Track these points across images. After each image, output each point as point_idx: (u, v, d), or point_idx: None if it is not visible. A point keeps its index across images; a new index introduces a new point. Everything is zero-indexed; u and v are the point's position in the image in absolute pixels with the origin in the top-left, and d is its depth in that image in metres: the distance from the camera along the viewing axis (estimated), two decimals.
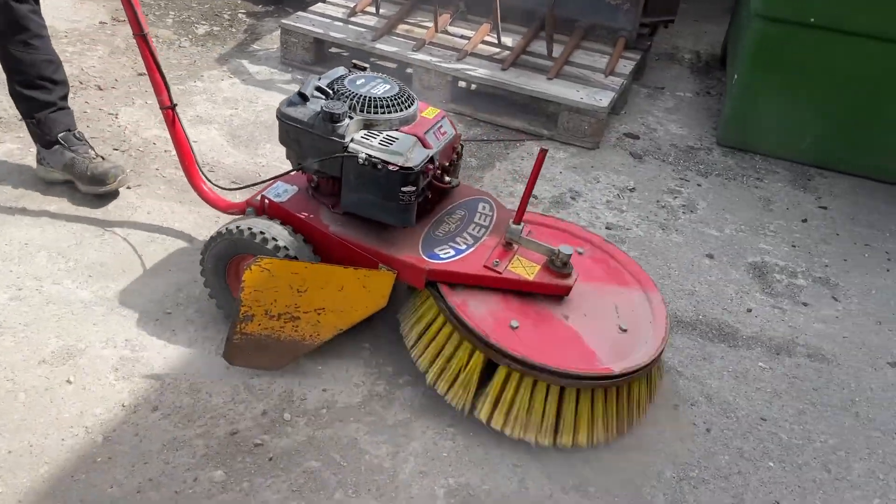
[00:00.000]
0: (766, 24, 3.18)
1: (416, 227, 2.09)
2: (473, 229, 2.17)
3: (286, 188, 2.24)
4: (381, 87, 2.10)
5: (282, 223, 2.10)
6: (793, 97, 3.28)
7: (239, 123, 3.26)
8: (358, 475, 1.88)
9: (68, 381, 2.01)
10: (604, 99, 3.37)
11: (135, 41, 2.27)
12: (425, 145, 2.05)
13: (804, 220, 3.10)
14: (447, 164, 2.16)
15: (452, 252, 2.07)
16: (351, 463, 1.91)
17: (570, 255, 2.05)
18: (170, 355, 2.13)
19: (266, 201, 2.18)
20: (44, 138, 2.62)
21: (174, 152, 2.42)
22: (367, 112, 2.04)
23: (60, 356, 2.08)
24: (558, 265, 2.06)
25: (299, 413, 2.02)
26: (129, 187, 2.76)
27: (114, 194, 2.69)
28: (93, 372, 2.05)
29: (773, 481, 2.01)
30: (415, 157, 1.98)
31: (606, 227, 2.91)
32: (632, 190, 3.17)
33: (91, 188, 2.63)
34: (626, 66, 3.71)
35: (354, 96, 2.05)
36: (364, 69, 2.22)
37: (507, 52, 3.66)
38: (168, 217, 2.65)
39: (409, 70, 3.61)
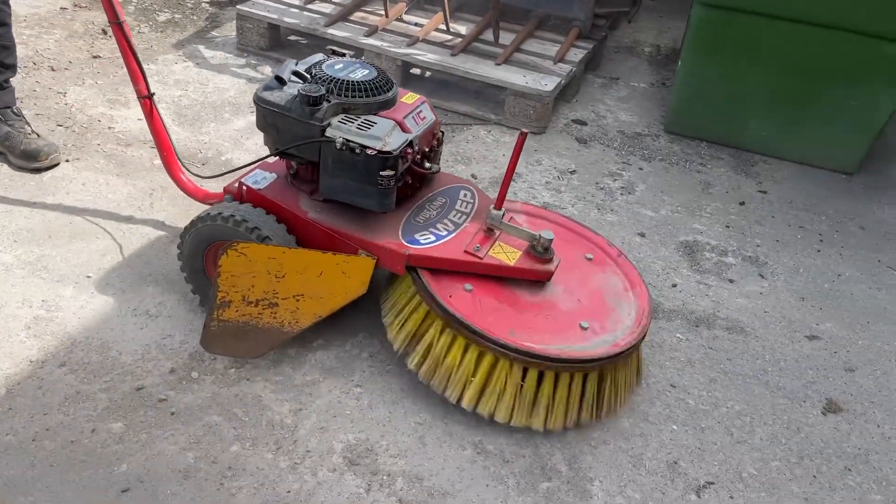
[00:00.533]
0: (706, 10, 3.22)
1: (396, 212, 2.09)
2: (455, 216, 2.17)
3: (265, 175, 2.22)
4: (359, 72, 2.09)
5: (262, 210, 2.08)
6: (734, 83, 3.32)
7: (187, 104, 3.30)
8: (258, 429, 1.90)
9: None
10: (549, 84, 3.41)
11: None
12: (404, 129, 2.04)
13: (741, 203, 3.13)
14: (427, 149, 2.16)
15: (433, 238, 2.07)
16: (252, 418, 1.93)
17: (551, 241, 2.05)
18: (85, 316, 2.16)
19: (244, 188, 2.16)
20: None
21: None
22: (345, 96, 2.01)
23: None
24: (539, 250, 2.07)
25: (207, 372, 2.04)
26: (67, 160, 2.79)
27: (51, 168, 2.72)
28: (4, 330, 2.07)
29: (675, 443, 2.03)
30: (393, 142, 1.97)
31: (543, 207, 2.93)
32: (572, 172, 3.20)
33: (22, 163, 2.67)
34: (577, 54, 3.75)
35: (332, 80, 2.02)
36: (343, 55, 2.22)
37: (460, 40, 3.70)
38: (102, 188, 2.68)
39: (361, 56, 3.65)
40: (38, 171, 2.71)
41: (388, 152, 1.95)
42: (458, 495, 1.81)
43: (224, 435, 1.87)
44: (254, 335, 2.01)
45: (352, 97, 2.03)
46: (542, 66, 3.58)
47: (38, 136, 2.75)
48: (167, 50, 3.73)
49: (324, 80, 2.05)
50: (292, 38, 3.95)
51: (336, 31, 3.66)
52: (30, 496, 1.68)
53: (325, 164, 2.03)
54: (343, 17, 3.78)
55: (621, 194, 3.09)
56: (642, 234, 2.86)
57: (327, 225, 2.07)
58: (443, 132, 2.27)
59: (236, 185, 2.18)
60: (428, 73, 3.79)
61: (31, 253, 2.35)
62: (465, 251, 2.05)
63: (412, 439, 1.93)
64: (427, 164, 2.18)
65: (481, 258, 2.05)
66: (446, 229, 2.13)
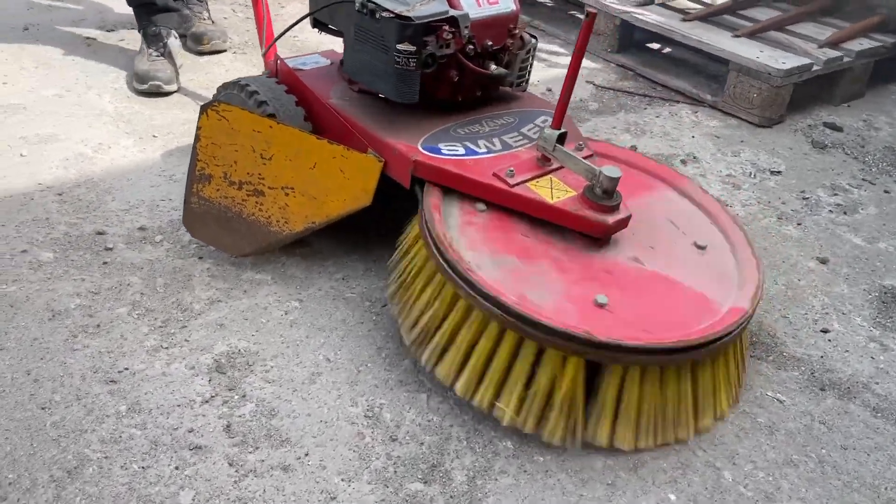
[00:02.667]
0: None
1: (435, 117, 1.70)
2: (512, 137, 1.69)
3: (317, 60, 1.98)
4: None
5: (283, 88, 1.82)
6: None
7: None
8: (160, 304, 1.64)
9: (21, 155, 2.09)
10: (787, 62, 2.59)
11: None
12: (453, 4, 1.62)
13: None
14: (493, 45, 1.69)
15: (462, 151, 1.60)
16: (166, 293, 1.67)
17: (617, 181, 1.47)
18: (117, 166, 2.10)
19: (279, 62, 1.93)
20: None
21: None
22: None
23: (41, 139, 2.17)
24: (598, 193, 1.48)
25: (172, 241, 1.83)
26: (234, 52, 2.82)
27: (213, 53, 2.78)
28: (43, 156, 2.10)
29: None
30: (423, 10, 1.57)
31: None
32: (775, 173, 2.38)
33: (191, 44, 2.77)
34: (862, 45, 2.82)
35: None
36: None
37: (703, 7, 3.03)
38: (241, 72, 2.66)
39: (575, 13, 3.18)
40: (201, 53, 2.77)
41: (408, 18, 1.53)
42: (301, 449, 1.34)
43: (125, 297, 1.65)
44: (238, 227, 1.72)
45: None
46: (798, 46, 2.75)
47: (212, 22, 2.82)
48: None
49: None
50: None
51: None
52: None
53: (347, 35, 1.69)
54: None
55: (830, 211, 2.20)
56: (823, 261, 1.99)
57: (344, 113, 1.71)
58: (535, 39, 1.77)
59: (275, 59, 1.95)
60: (655, 46, 3.16)
61: (128, 107, 2.38)
62: (494, 174, 1.54)
63: (303, 375, 1.50)
64: (492, 67, 1.70)
65: (510, 185, 1.52)
66: (488, 147, 1.64)
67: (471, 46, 1.63)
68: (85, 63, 2.62)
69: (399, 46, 1.53)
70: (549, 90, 2.79)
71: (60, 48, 2.70)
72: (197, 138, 1.64)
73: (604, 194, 1.48)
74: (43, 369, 1.45)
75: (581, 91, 2.82)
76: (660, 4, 3.07)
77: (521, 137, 1.70)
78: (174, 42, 2.56)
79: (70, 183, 2.00)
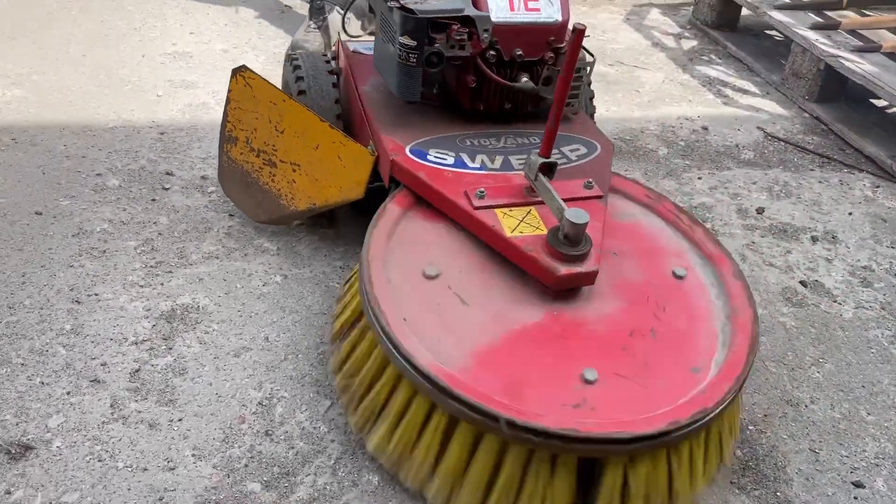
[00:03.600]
0: None
1: (451, 123, 1.59)
2: (520, 159, 1.52)
3: None
4: None
5: (327, 68, 1.80)
6: None
7: None
8: (165, 248, 1.74)
9: (157, 95, 2.34)
10: None
11: None
12: (476, 4, 1.50)
13: None
14: (525, 56, 1.53)
15: (451, 161, 1.49)
16: (174, 238, 1.77)
17: (581, 227, 1.27)
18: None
19: (340, 44, 1.90)
20: None
21: None
22: None
23: (181, 85, 2.41)
24: (559, 238, 1.29)
25: (181, 192, 1.93)
26: None
27: None
28: (172, 104, 2.33)
29: None
30: (433, 4, 1.47)
31: (800, 282, 1.83)
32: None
33: (367, 24, 2.85)
34: None
35: None
36: None
37: None
38: None
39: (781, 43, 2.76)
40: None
41: (412, 11, 1.45)
42: (179, 413, 1.35)
43: (142, 234, 1.77)
44: (256, 193, 1.77)
45: None
46: None
47: None
48: None
49: None
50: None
51: (777, 15, 2.83)
52: None
53: (375, 24, 1.65)
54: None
55: None
56: None
57: (365, 101, 1.67)
58: (591, 57, 1.60)
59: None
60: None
61: (272, 70, 2.54)
62: (465, 192, 1.42)
63: (234, 346, 1.51)
64: (523, 79, 1.56)
65: (472, 206, 1.39)
66: (483, 163, 1.50)
67: (492, 52, 1.49)
68: (266, 27, 2.84)
69: (401, 39, 1.44)
70: (705, 128, 2.47)
71: (257, 11, 2.96)
72: (227, 101, 1.70)
73: (565, 239, 1.28)
74: (35, 275, 1.61)
75: (742, 135, 2.46)
76: (887, 53, 2.56)
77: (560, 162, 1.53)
78: (334, 17, 2.67)
79: (176, 126, 2.19)
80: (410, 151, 1.49)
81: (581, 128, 1.65)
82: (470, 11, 1.45)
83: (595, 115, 1.90)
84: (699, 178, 2.21)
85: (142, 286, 1.62)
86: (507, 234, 1.33)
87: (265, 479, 1.26)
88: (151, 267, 1.67)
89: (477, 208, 1.37)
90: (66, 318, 1.51)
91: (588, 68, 1.58)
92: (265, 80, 1.64)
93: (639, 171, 2.21)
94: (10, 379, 1.38)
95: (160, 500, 1.21)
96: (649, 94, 2.67)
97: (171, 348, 1.48)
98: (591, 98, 1.87)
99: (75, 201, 1.84)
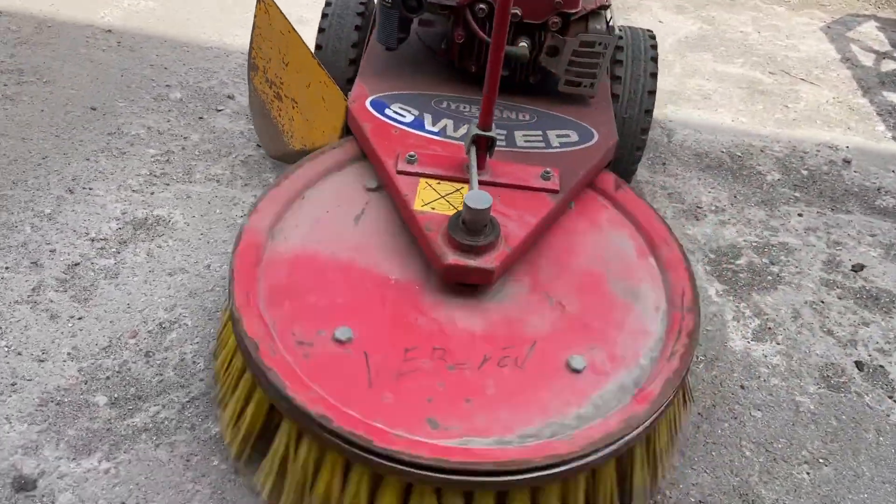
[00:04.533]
0: None
1: (439, 83, 1.46)
2: (512, 137, 1.35)
3: None
4: None
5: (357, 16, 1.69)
6: None
7: None
8: (180, 162, 1.77)
9: None
10: None
11: None
12: None
13: None
14: (526, 18, 1.35)
15: (408, 119, 1.35)
16: (194, 156, 1.80)
17: (480, 214, 1.07)
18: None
19: None
20: None
21: None
22: None
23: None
24: (458, 224, 1.10)
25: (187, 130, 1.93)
26: None
27: None
28: None
29: None
30: None
31: (856, 363, 1.44)
32: None
33: None
34: None
35: None
36: None
37: None
38: None
39: None
40: None
41: None
42: (76, 314, 1.37)
43: (167, 145, 1.81)
44: (268, 126, 1.72)
45: None
46: None
47: None
48: None
49: None
50: None
51: None
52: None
53: None
54: None
55: None
56: None
57: (368, 47, 1.59)
58: (618, 37, 1.36)
59: None
60: None
61: None
62: (399, 153, 1.26)
63: (172, 267, 1.49)
64: (521, 44, 1.36)
65: (395, 170, 1.23)
66: (445, 129, 1.34)
67: (482, 6, 1.31)
68: None
69: None
70: (847, 161, 2.03)
71: None
72: (253, 27, 1.67)
73: (463, 225, 1.09)
74: (53, 161, 1.71)
75: (893, 179, 1.99)
76: None
77: (502, 137, 1.33)
78: None
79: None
80: (371, 102, 1.36)
81: (588, 113, 1.41)
82: None
83: (669, 118, 1.62)
84: (799, 215, 1.82)
85: (134, 191, 1.66)
86: (415, 206, 1.16)
87: (116, 395, 1.23)
88: (155, 176, 1.71)
89: (399, 172, 1.21)
90: (51, 203, 1.59)
91: (605, 45, 1.33)
92: (279, 8, 1.59)
93: (725, 191, 1.87)
94: None
95: (12, 385, 1.23)
96: (800, 112, 2.25)
97: (118, 252, 1.50)
98: (651, 92, 1.59)
99: (131, 105, 1.93)
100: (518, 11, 1.31)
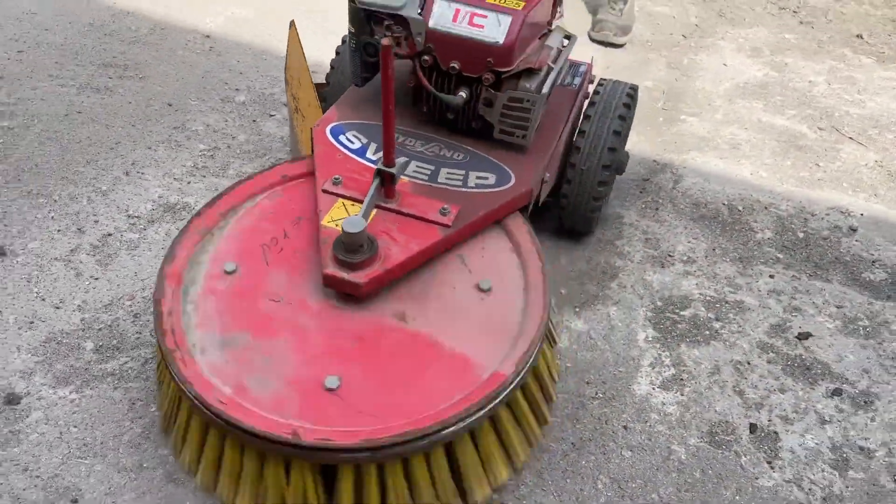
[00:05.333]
0: None
1: (402, 115, 1.63)
2: (419, 168, 1.52)
3: None
4: None
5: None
6: None
7: None
8: (222, 148, 2.10)
9: None
10: None
11: None
12: (424, 8, 1.48)
13: None
14: (464, 72, 1.49)
15: (356, 146, 1.55)
16: (230, 147, 2.11)
17: (353, 237, 1.27)
18: None
19: None
20: None
21: None
22: None
23: None
24: (340, 240, 1.31)
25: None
26: (627, 49, 2.79)
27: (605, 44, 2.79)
28: None
29: None
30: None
31: (751, 424, 1.52)
32: None
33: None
34: None
35: None
36: None
37: None
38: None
39: None
40: (591, 39, 2.81)
41: (352, 0, 1.51)
42: (86, 273, 1.72)
43: (187, 130, 2.15)
44: (292, 134, 1.96)
45: None
46: None
47: (619, 13, 2.81)
48: None
49: None
50: None
51: None
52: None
53: None
54: None
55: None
56: None
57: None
58: (538, 94, 1.51)
59: None
60: None
61: None
62: (333, 175, 1.47)
63: None
64: (461, 93, 1.51)
65: (321, 189, 1.45)
66: (381, 157, 1.46)
67: (426, 58, 1.51)
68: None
69: (348, 24, 1.55)
70: (853, 229, 2.02)
71: None
72: (287, 47, 1.96)
73: (342, 244, 1.31)
74: (123, 146, 2.09)
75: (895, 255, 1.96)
76: None
77: (429, 173, 1.52)
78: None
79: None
80: (332, 127, 1.60)
81: (517, 160, 1.55)
82: (407, 12, 1.48)
83: (685, 164, 1.74)
84: (771, 276, 1.86)
85: (175, 179, 2.00)
86: (323, 221, 1.39)
87: (100, 344, 1.56)
88: (196, 168, 2.04)
89: (324, 191, 1.45)
90: (108, 182, 1.97)
91: (532, 102, 1.48)
92: (298, 35, 1.86)
93: (705, 243, 1.94)
94: (37, 207, 1.87)
95: (30, 323, 1.59)
96: (830, 172, 2.24)
97: (144, 230, 1.84)
98: (612, 148, 1.70)
99: (201, 104, 2.29)
100: (457, 65, 1.49)
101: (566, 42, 1.60)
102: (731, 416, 1.52)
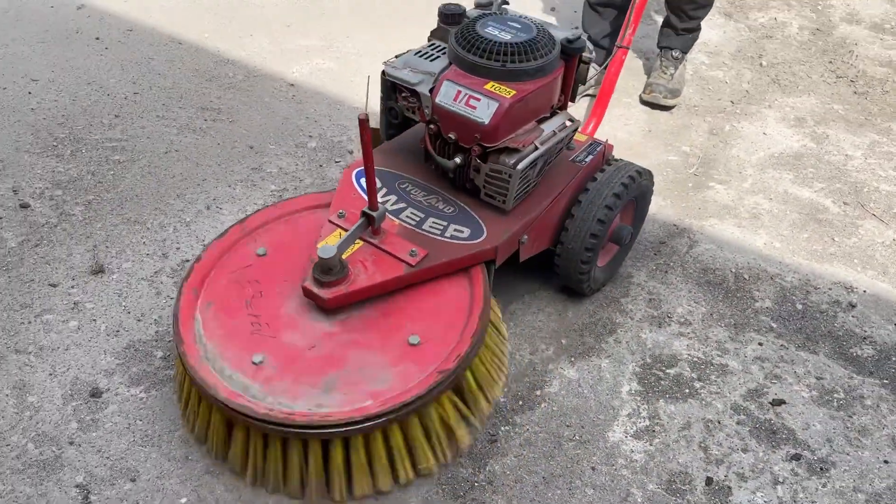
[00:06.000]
0: None
1: (416, 170, 1.93)
2: (412, 214, 1.81)
3: None
4: (501, 31, 1.75)
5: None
6: None
7: None
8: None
9: None
10: None
11: None
12: (435, 86, 1.75)
13: None
14: (459, 142, 1.75)
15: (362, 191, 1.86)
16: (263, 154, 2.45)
17: (326, 261, 1.59)
18: None
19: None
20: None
21: None
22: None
23: None
24: (318, 267, 1.64)
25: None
26: (676, 112, 2.99)
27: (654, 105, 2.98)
28: None
29: None
30: (401, 72, 1.81)
31: (707, 477, 1.71)
32: None
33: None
34: None
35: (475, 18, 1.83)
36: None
37: None
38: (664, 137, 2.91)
39: None
40: (642, 101, 3.02)
41: (384, 72, 1.86)
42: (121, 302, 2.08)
43: (262, 171, 2.50)
44: None
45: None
46: None
47: (670, 76, 3.01)
48: None
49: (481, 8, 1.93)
50: None
51: None
52: None
53: None
54: None
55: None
56: None
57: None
58: (515, 168, 1.75)
59: None
60: None
61: None
62: (341, 209, 1.80)
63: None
64: (456, 159, 1.77)
65: (328, 220, 1.78)
66: (386, 201, 1.84)
67: (432, 126, 1.79)
68: None
69: (380, 91, 1.87)
70: (853, 305, 2.16)
71: None
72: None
73: (319, 266, 1.61)
74: (207, 183, 2.46)
75: (893, 334, 2.09)
76: None
77: (417, 220, 1.80)
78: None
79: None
80: (358, 170, 1.91)
81: (496, 220, 1.79)
82: (420, 88, 1.78)
83: (703, 231, 1.96)
84: (760, 344, 2.03)
85: (244, 212, 2.35)
86: (319, 244, 1.68)
87: (168, 354, 1.91)
88: (265, 206, 2.39)
89: (330, 221, 1.76)
90: (192, 214, 2.34)
91: (509, 176, 1.72)
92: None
93: (704, 308, 2.12)
94: (133, 233, 2.25)
95: (116, 331, 1.96)
96: (844, 248, 2.37)
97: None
98: (594, 234, 1.91)
99: (278, 148, 2.65)
100: (453, 136, 1.75)
101: (568, 124, 1.84)
102: (691, 469, 1.72)
